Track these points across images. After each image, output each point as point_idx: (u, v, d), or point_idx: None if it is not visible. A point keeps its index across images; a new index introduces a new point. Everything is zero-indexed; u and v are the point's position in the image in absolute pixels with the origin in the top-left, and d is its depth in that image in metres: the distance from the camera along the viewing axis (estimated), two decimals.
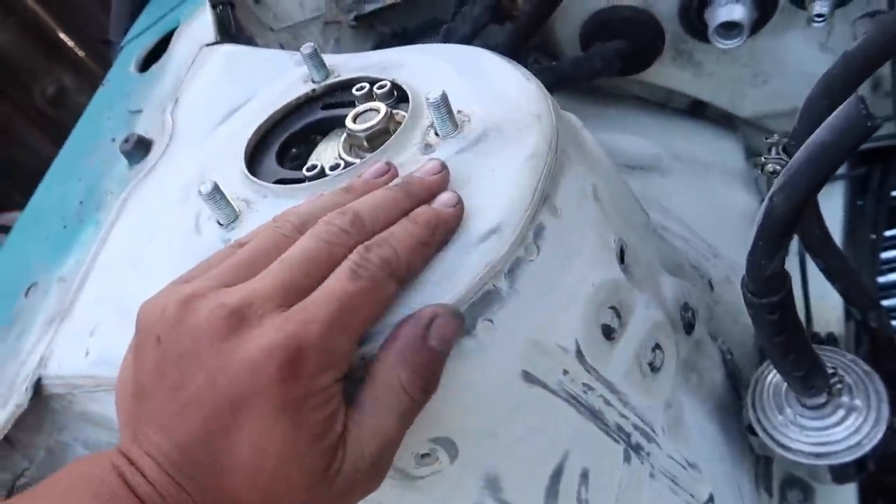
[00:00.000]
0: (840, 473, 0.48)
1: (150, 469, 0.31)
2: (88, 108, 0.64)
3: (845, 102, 0.30)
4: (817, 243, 0.43)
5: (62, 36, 2.08)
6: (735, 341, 0.62)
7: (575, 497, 0.43)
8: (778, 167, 0.39)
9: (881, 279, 0.79)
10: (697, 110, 0.82)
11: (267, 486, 0.31)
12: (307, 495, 0.31)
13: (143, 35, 0.67)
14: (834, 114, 0.30)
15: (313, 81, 0.50)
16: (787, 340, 0.40)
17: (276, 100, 0.50)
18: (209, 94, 0.55)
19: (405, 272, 0.34)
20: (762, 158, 0.39)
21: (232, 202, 0.42)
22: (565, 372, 0.40)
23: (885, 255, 0.79)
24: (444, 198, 0.36)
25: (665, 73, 0.73)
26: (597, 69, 0.66)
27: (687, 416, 0.50)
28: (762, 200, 0.78)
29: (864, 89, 0.73)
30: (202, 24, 0.61)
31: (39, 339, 0.47)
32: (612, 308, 0.42)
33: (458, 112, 0.41)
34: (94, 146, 0.58)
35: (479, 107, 0.42)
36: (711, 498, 0.51)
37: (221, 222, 0.42)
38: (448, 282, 0.35)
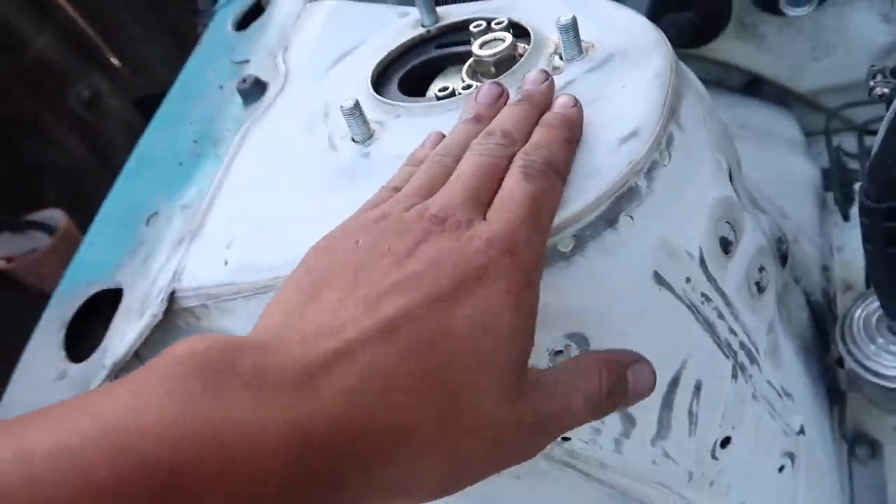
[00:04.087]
0: None
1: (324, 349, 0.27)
2: (187, 65, 0.67)
3: None
4: None
5: (97, 42, 2.13)
6: (812, 291, 0.64)
7: (687, 410, 0.45)
8: (886, 90, 0.41)
9: None
10: (754, 89, 0.85)
11: (473, 376, 0.29)
12: (505, 404, 0.30)
13: (235, 1, 0.70)
14: None
15: (423, 26, 0.53)
16: None
17: (389, 42, 0.52)
18: (319, 42, 0.58)
19: (564, 169, 0.36)
20: (869, 83, 0.42)
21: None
22: (688, 279, 0.42)
23: None
24: (563, 100, 0.39)
25: (728, 47, 0.77)
26: (670, 39, 0.69)
27: (782, 347, 0.52)
28: (822, 171, 0.80)
29: None
30: None
31: (169, 258, 0.49)
32: (728, 223, 0.44)
33: (582, 41, 0.44)
34: (200, 94, 0.61)
35: (598, 36, 0.45)
36: (803, 429, 0.53)
37: (357, 139, 0.44)
38: (595, 177, 0.37)
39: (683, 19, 0.71)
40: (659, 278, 0.40)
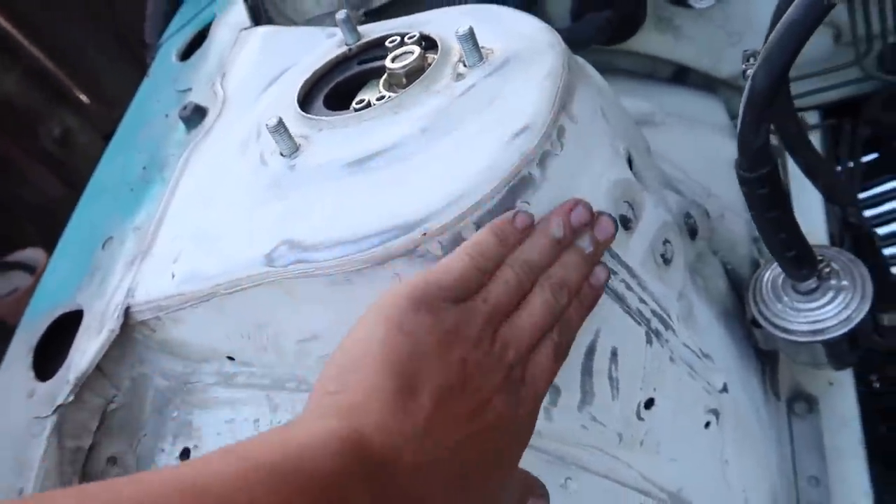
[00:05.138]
0: (835, 351, 0.55)
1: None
2: (136, 96, 0.71)
3: None
4: (796, 142, 0.50)
5: (65, 80, 2.16)
6: (734, 263, 0.69)
7: (607, 374, 0.49)
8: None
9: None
10: (681, 78, 0.90)
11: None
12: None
13: (181, 32, 0.74)
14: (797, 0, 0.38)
15: (346, 45, 0.57)
16: (778, 216, 0.46)
17: (316, 62, 0.57)
18: (254, 66, 0.62)
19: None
20: (743, 66, 0.46)
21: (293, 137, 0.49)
22: None
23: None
24: (605, 222, 0.44)
25: (649, 40, 0.81)
26: (590, 36, 0.74)
27: (697, 312, 0.56)
28: None
29: (825, 39, 0.82)
30: (237, 13, 0.68)
31: (123, 277, 0.53)
32: (627, 202, 0.48)
33: (482, 47, 0.48)
34: (147, 123, 0.65)
35: (499, 43, 0.49)
36: (725, 387, 0.57)
37: (284, 153, 0.49)
38: (491, 170, 0.41)
39: (602, 17, 0.76)
40: None
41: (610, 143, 0.49)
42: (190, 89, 0.64)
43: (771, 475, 0.62)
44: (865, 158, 0.90)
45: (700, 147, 0.81)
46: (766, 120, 0.40)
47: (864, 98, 0.85)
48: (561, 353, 0.41)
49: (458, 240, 0.41)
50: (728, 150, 0.83)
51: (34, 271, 1.91)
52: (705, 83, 0.89)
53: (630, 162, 0.50)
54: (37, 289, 0.59)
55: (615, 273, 0.48)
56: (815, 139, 0.88)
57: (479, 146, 0.43)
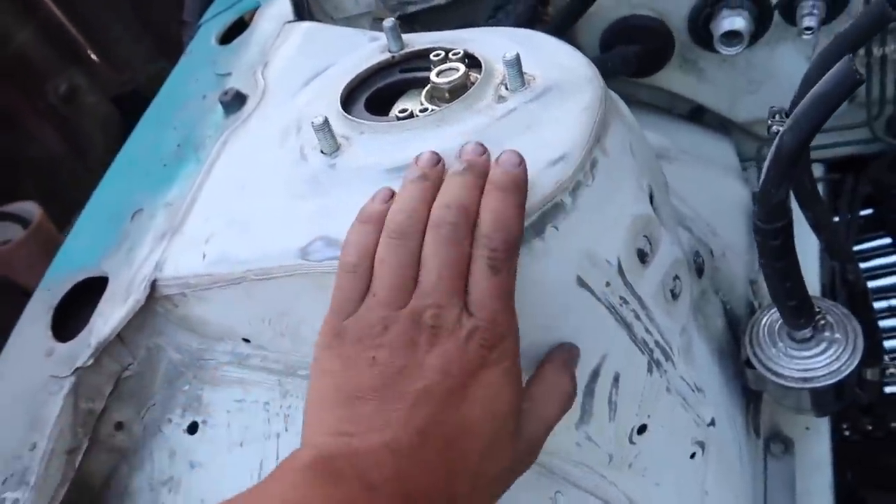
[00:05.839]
0: (821, 400, 0.57)
1: (378, 456, 0.36)
2: (172, 74, 0.72)
3: (839, 62, 0.40)
4: (808, 197, 0.53)
5: (79, 38, 2.15)
6: (732, 303, 0.71)
7: (607, 398, 0.51)
8: (779, 128, 0.48)
9: None
10: (697, 116, 0.93)
11: (495, 441, 0.38)
12: (509, 456, 0.40)
13: (221, 15, 0.76)
14: (830, 71, 0.40)
15: (390, 52, 0.59)
16: (786, 267, 0.49)
17: (358, 65, 0.59)
18: (295, 60, 0.63)
19: (520, 240, 0.41)
20: (769, 121, 0.49)
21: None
22: (608, 284, 0.48)
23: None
24: (509, 157, 0.42)
25: (672, 78, 0.84)
26: (617, 68, 0.77)
27: (695, 348, 0.59)
28: (752, 194, 0.88)
29: None
30: (282, 5, 0.70)
31: (152, 250, 0.54)
32: (646, 237, 0.51)
33: (525, 73, 0.50)
34: (184, 103, 0.66)
35: (540, 70, 0.51)
36: (713, 421, 0.60)
37: (325, 151, 0.50)
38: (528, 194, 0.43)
39: (631, 52, 0.78)
40: (581, 282, 0.47)
41: (636, 178, 0.51)
42: (230, 74, 0.66)
43: None
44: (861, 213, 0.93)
45: (709, 186, 0.84)
46: (788, 178, 0.43)
47: (869, 157, 0.89)
48: (498, 261, 0.39)
49: None
50: (735, 191, 0.86)
51: (28, 224, 1.89)
52: (720, 124, 0.92)
53: (651, 198, 0.53)
54: (59, 251, 0.60)
55: (627, 302, 0.50)
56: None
57: None
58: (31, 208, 2.01)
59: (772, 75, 0.80)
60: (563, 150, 0.45)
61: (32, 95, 2.11)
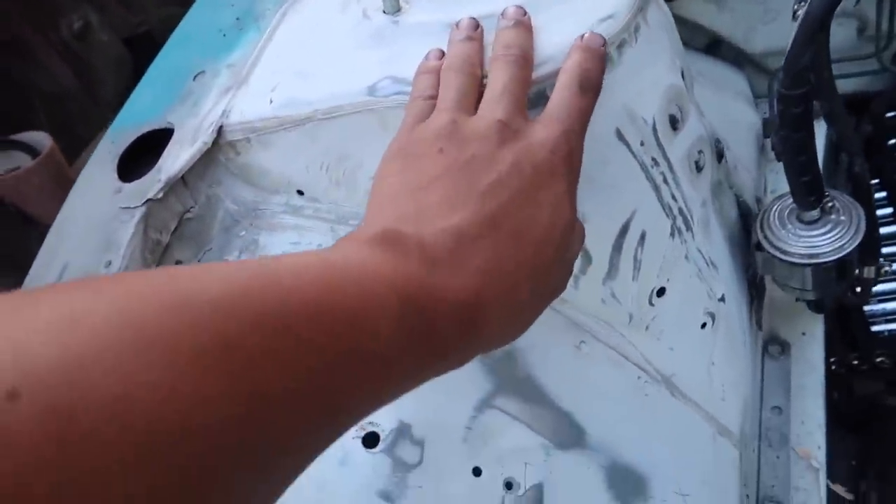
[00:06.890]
0: (823, 279, 0.63)
1: (443, 237, 0.34)
2: None
3: None
4: (825, 87, 0.57)
5: None
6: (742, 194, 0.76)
7: (633, 255, 0.56)
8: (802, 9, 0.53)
9: None
10: (713, 50, 0.97)
11: (550, 252, 0.38)
12: (556, 272, 0.40)
13: None
14: None
15: None
16: (803, 139, 0.54)
17: None
18: None
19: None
20: (794, 7, 0.53)
21: None
22: (642, 143, 0.53)
23: None
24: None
25: (692, 6, 0.89)
26: None
27: (712, 226, 0.64)
28: (762, 119, 0.92)
29: (849, 31, 0.90)
30: None
31: (217, 101, 0.58)
32: (678, 105, 0.55)
33: None
34: None
35: None
36: (723, 298, 0.65)
37: (387, 11, 0.54)
38: None
39: None
40: (620, 135, 0.51)
41: (670, 53, 0.56)
42: None
43: (745, 389, 0.70)
44: None
45: (723, 107, 0.89)
46: (814, 42, 0.47)
47: (873, 95, 0.94)
48: (590, 81, 0.42)
49: (542, 96, 0.47)
50: (747, 115, 0.91)
51: (37, 154, 1.91)
52: (735, 58, 0.97)
53: (682, 75, 0.57)
54: (121, 109, 0.64)
55: (657, 164, 0.55)
56: (821, 127, 0.97)
57: (569, 23, 0.49)
58: (42, 138, 2.02)
59: (787, 4, 0.84)
60: (612, 10, 0.50)
61: (46, 28, 2.13)
